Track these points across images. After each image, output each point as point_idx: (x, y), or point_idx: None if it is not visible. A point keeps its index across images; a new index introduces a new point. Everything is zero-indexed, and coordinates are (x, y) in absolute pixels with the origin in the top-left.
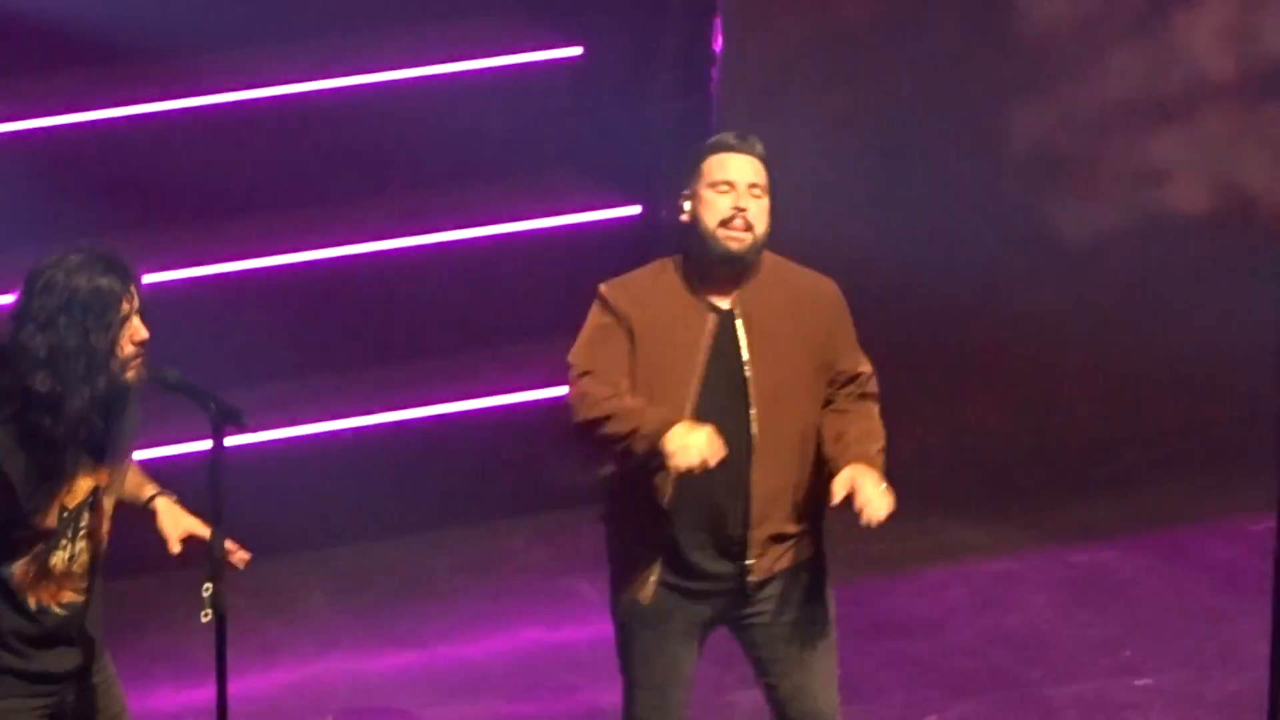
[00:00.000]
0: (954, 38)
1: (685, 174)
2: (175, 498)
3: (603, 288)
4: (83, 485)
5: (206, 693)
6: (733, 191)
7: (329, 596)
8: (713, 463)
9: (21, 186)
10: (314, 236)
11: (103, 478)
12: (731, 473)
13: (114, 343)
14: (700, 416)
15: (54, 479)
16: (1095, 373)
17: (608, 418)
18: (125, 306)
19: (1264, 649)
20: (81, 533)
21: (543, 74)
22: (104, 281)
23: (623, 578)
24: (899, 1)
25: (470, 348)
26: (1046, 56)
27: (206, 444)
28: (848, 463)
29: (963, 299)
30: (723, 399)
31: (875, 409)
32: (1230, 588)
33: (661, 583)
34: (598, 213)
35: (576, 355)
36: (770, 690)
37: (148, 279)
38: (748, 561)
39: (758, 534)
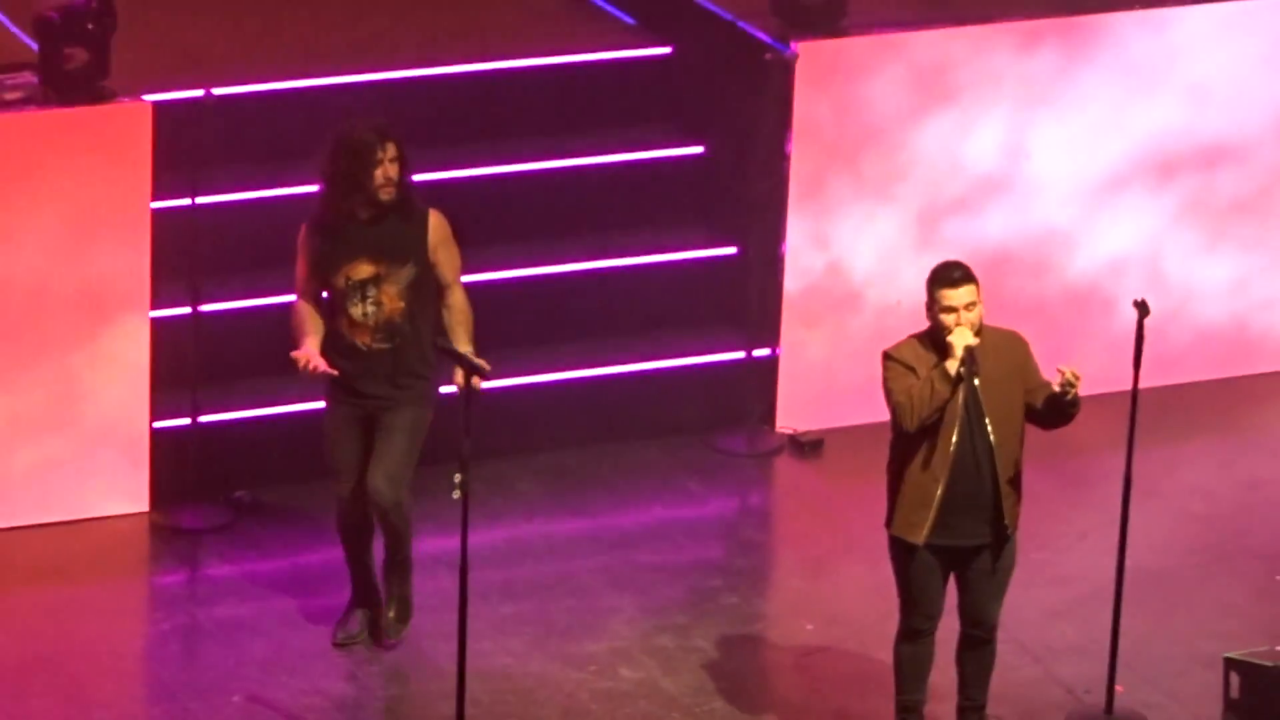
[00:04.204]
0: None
1: (928, 288)
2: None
3: (890, 351)
4: (364, 268)
5: (450, 542)
6: (956, 313)
7: (535, 484)
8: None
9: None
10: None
11: (381, 268)
12: (984, 464)
13: (363, 174)
14: (960, 431)
15: (336, 257)
16: None
17: (912, 397)
18: (378, 154)
19: None
20: (370, 299)
21: (674, 164)
22: (363, 137)
23: None
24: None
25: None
26: None
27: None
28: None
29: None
30: (972, 415)
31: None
32: None
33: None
34: (707, 250)
35: (896, 389)
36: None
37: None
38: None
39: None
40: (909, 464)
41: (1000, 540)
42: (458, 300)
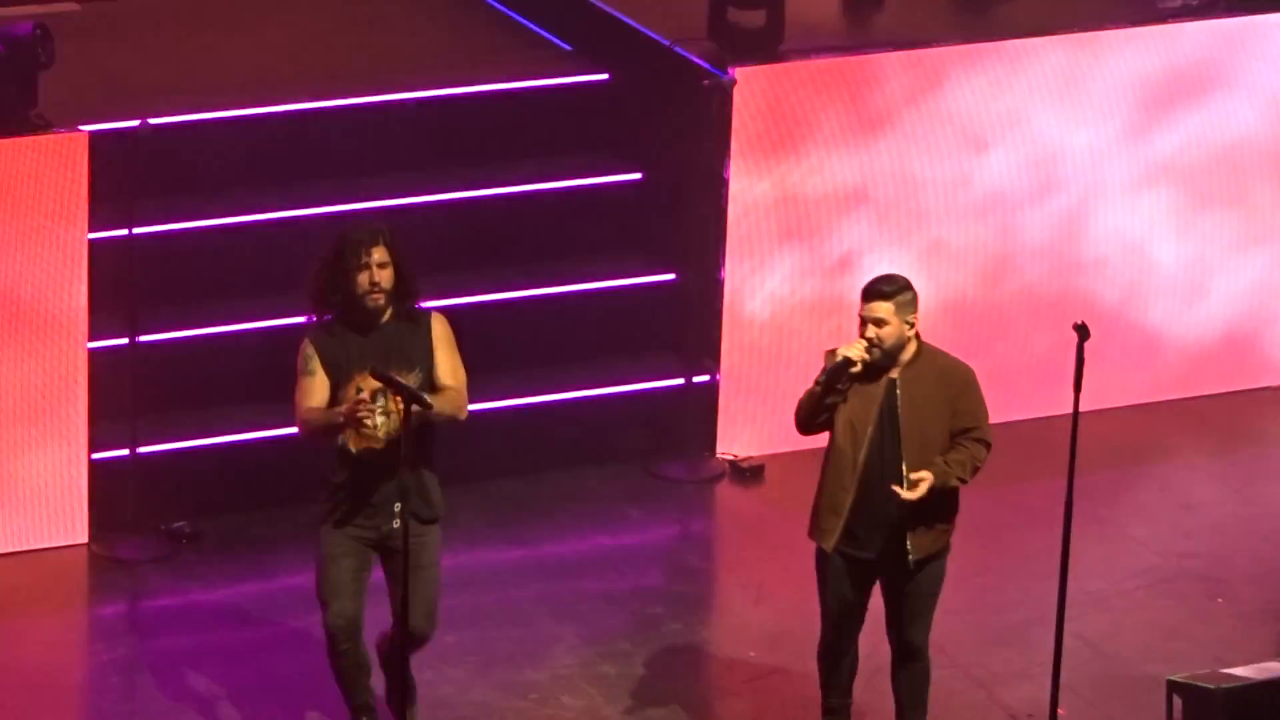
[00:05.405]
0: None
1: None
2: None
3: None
4: (374, 378)
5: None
6: (864, 327)
7: (477, 514)
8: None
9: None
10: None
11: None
12: (893, 481)
13: (349, 276)
14: (871, 444)
15: (346, 368)
16: None
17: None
18: (363, 258)
19: None
20: (381, 409)
21: (612, 190)
22: (353, 236)
23: None
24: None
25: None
26: None
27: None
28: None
29: None
30: (886, 435)
31: (981, 450)
32: None
33: None
34: (646, 277)
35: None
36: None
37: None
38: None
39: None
40: (827, 472)
41: (903, 563)
42: (456, 387)
